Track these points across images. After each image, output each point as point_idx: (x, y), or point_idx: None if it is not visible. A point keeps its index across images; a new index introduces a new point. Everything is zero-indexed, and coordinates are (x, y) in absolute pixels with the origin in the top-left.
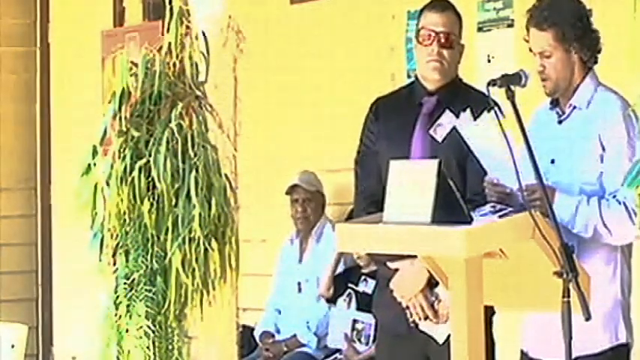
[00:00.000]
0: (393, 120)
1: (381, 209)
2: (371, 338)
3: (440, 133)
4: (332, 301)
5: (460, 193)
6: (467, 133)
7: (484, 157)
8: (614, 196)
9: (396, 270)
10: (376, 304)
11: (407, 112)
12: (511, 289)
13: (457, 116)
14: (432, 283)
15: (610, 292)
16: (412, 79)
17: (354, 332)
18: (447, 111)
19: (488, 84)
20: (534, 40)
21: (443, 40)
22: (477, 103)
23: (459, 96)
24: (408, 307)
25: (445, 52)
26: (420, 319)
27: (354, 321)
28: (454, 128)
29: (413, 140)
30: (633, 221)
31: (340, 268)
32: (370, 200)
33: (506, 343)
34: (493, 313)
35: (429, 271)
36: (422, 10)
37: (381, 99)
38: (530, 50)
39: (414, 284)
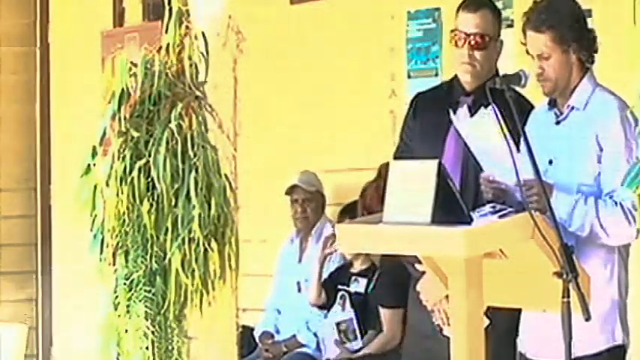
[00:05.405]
0: (430, 117)
1: None
2: (357, 331)
3: None
4: (325, 307)
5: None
6: (464, 130)
7: (481, 153)
8: (611, 197)
9: (424, 272)
10: (409, 303)
11: (444, 111)
12: (511, 289)
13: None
14: None
15: (607, 294)
16: (440, 78)
17: (342, 334)
18: None
19: (489, 84)
20: (532, 42)
21: (474, 42)
22: (514, 103)
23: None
24: (433, 311)
25: (477, 54)
26: (443, 324)
27: (337, 324)
28: None
29: (447, 140)
30: (629, 222)
31: (333, 268)
32: None
33: None
34: None
35: None
36: (457, 10)
37: (421, 94)
38: (527, 53)
39: (440, 289)
